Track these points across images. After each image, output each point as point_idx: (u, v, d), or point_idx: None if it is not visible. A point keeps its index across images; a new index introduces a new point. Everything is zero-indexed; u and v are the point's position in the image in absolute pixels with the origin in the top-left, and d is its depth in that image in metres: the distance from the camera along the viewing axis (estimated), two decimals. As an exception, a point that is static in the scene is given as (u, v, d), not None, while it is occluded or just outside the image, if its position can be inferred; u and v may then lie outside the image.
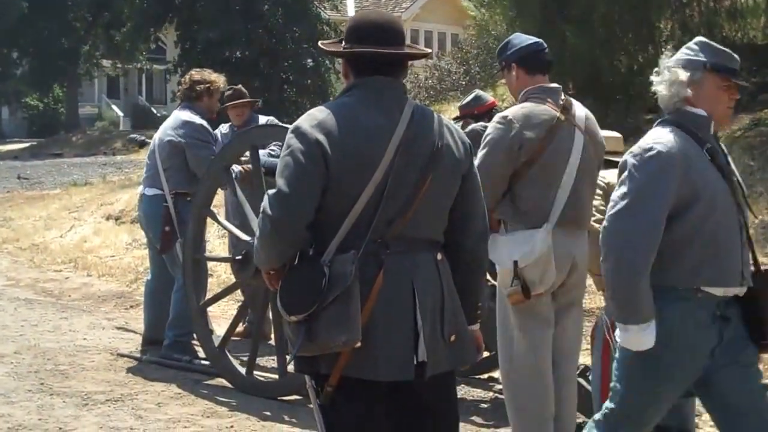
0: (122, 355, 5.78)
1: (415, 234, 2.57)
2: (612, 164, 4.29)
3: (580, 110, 3.80)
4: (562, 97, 3.78)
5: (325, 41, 2.88)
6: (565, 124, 3.69)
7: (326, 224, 2.52)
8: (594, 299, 6.04)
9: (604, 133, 4.51)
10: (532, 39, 3.88)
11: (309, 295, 2.44)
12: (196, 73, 6.00)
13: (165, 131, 5.73)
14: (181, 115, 5.75)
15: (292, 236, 2.51)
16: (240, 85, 6.83)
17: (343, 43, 2.67)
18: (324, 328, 2.43)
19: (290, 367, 5.14)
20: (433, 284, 2.58)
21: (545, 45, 3.88)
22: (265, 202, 2.52)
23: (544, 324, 3.71)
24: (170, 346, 5.62)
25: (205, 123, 5.73)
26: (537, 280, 3.60)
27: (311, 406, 4.84)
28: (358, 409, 2.54)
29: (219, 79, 5.97)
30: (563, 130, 3.69)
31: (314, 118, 2.56)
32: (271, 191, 2.52)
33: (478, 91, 5.68)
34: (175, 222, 5.55)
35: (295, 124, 2.59)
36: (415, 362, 2.52)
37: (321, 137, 2.50)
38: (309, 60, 18.16)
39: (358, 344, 2.44)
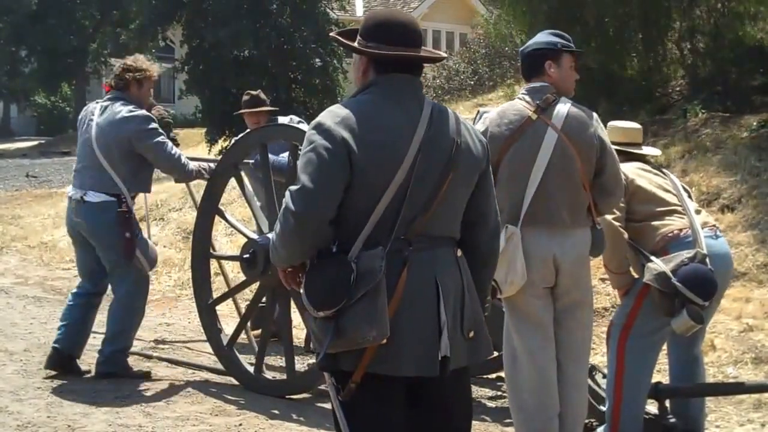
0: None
1: (435, 231, 2.60)
2: (631, 156, 4.28)
3: (562, 109, 3.73)
4: (546, 95, 3.75)
5: (339, 31, 2.87)
6: (537, 123, 3.68)
7: (350, 221, 2.53)
8: (600, 299, 6.04)
9: (624, 124, 4.49)
10: (539, 44, 3.83)
11: (338, 291, 2.45)
12: (129, 60, 5.47)
13: (106, 131, 5.19)
14: (118, 111, 5.23)
15: (315, 232, 2.51)
16: (259, 91, 6.51)
17: (360, 38, 2.68)
18: (353, 323, 2.44)
19: (298, 366, 5.18)
20: (454, 280, 2.62)
21: (549, 46, 3.80)
22: (287, 199, 2.52)
23: (536, 325, 3.73)
24: (106, 363, 5.24)
25: (145, 112, 5.29)
26: (502, 279, 3.63)
27: (320, 404, 4.90)
28: (379, 404, 2.56)
29: (152, 68, 5.41)
30: (533, 128, 3.68)
31: (337, 114, 2.56)
32: (293, 187, 2.53)
33: None
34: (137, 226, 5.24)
35: (316, 120, 2.59)
36: (439, 358, 2.55)
37: (346, 134, 2.51)
38: (317, 60, 18.14)
39: (385, 340, 2.46)
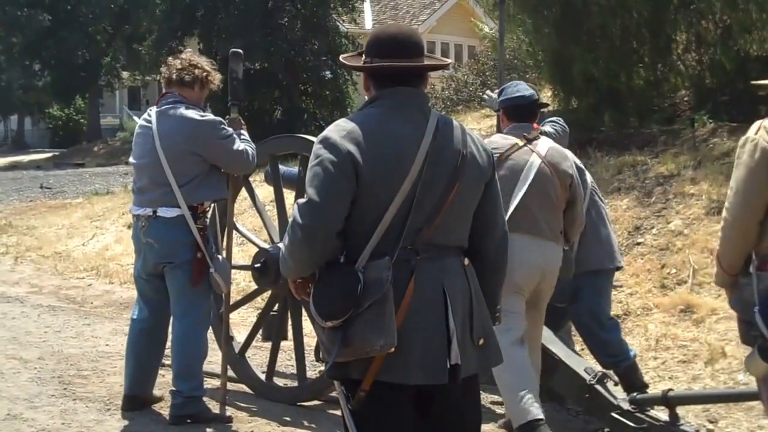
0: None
1: (442, 240, 2.63)
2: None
3: (543, 142, 4.33)
4: (532, 132, 4.33)
5: (345, 55, 2.91)
6: (524, 149, 4.24)
7: (357, 232, 2.56)
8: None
9: None
10: (520, 92, 4.44)
11: (345, 301, 2.49)
12: (193, 57, 4.80)
13: (173, 139, 4.53)
14: (181, 114, 4.56)
15: (323, 244, 2.55)
16: None
17: (364, 56, 2.73)
18: (361, 333, 2.47)
19: (309, 373, 5.22)
20: (462, 289, 2.65)
21: (532, 98, 4.43)
22: (294, 212, 2.56)
23: (517, 313, 4.14)
24: (185, 405, 4.61)
25: (215, 117, 4.69)
26: None
27: (331, 411, 4.93)
28: (389, 413, 2.58)
29: (216, 75, 4.81)
30: (521, 152, 4.23)
31: (342, 128, 2.60)
32: (301, 200, 2.57)
33: None
34: (218, 240, 4.72)
35: (323, 134, 2.63)
36: (448, 366, 2.58)
37: (351, 147, 2.54)
38: (327, 72, 18.28)
39: (393, 349, 2.49)
